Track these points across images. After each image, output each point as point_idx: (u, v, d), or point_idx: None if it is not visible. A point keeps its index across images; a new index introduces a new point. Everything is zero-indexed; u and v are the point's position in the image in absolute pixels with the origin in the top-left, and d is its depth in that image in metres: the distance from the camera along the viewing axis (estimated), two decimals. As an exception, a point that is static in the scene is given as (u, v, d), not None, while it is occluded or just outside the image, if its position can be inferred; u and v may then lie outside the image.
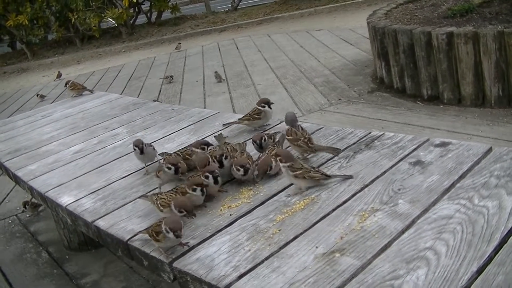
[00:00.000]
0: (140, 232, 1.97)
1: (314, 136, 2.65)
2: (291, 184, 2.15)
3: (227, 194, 2.18)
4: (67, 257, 3.83)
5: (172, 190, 2.16)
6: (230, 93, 7.22)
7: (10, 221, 4.56)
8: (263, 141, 2.48)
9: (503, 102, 4.78)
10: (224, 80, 8.11)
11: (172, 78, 8.68)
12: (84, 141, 3.44)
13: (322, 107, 5.81)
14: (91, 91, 5.02)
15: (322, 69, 7.45)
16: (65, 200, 2.50)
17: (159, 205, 2.07)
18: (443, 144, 2.21)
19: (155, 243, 1.85)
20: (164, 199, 2.08)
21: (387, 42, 5.76)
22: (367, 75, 6.72)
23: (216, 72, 8.35)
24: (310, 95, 6.34)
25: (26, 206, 4.51)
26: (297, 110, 5.82)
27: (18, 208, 4.72)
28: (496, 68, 4.69)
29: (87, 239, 3.80)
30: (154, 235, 1.83)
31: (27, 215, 4.58)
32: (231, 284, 1.59)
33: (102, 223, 2.17)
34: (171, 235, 1.78)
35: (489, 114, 4.75)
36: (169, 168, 2.36)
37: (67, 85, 4.95)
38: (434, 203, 1.79)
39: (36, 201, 4.38)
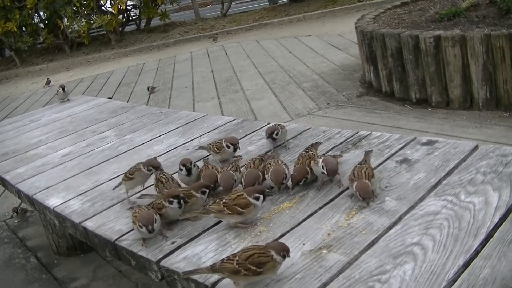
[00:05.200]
0: None
1: (302, 136, 2.67)
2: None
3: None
4: (55, 262, 3.80)
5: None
6: (219, 98, 7.22)
7: (-2, 227, 4.54)
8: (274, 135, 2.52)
9: (491, 104, 4.80)
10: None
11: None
12: (72, 144, 3.43)
13: (310, 111, 5.82)
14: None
15: (310, 74, 7.47)
16: (53, 202, 2.49)
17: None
18: (429, 143, 2.23)
19: None
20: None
21: (375, 46, 5.79)
22: (355, 79, 6.74)
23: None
24: (299, 100, 6.34)
25: (16, 212, 4.48)
26: (286, 115, 5.84)
27: (7, 214, 4.69)
28: (484, 70, 4.72)
29: (76, 244, 3.77)
30: None
31: (16, 221, 4.54)
32: (218, 281, 1.59)
33: (89, 224, 2.16)
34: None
35: (477, 116, 4.78)
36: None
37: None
38: (421, 199, 1.80)
39: (25, 207, 4.35)
